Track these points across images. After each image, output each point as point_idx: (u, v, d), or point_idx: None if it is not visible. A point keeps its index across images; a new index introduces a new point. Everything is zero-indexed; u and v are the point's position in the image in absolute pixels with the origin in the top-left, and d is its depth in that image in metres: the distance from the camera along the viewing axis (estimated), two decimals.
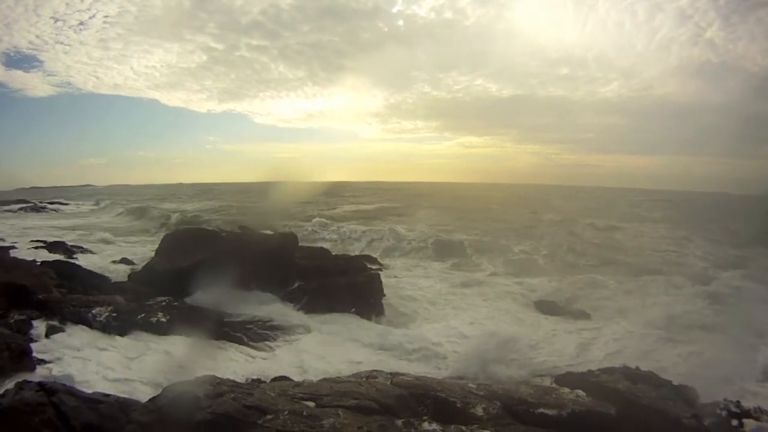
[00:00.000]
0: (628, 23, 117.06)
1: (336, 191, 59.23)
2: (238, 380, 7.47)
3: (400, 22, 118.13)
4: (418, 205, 44.20)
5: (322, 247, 18.39)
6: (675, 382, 8.96)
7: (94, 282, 14.91)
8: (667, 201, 58.75)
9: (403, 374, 7.63)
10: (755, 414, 7.81)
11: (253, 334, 11.55)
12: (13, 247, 21.94)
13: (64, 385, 6.53)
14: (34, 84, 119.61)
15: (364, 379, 7.26)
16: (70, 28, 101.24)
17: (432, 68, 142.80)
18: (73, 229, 31.54)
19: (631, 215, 39.40)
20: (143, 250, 21.90)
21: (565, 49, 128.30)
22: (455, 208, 41.72)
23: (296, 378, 8.64)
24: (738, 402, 8.26)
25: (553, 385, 8.49)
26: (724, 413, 7.88)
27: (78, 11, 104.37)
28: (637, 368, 9.60)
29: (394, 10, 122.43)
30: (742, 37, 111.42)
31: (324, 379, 7.46)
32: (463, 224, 30.83)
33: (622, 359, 10.60)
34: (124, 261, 19.16)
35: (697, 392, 8.67)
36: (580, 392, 7.75)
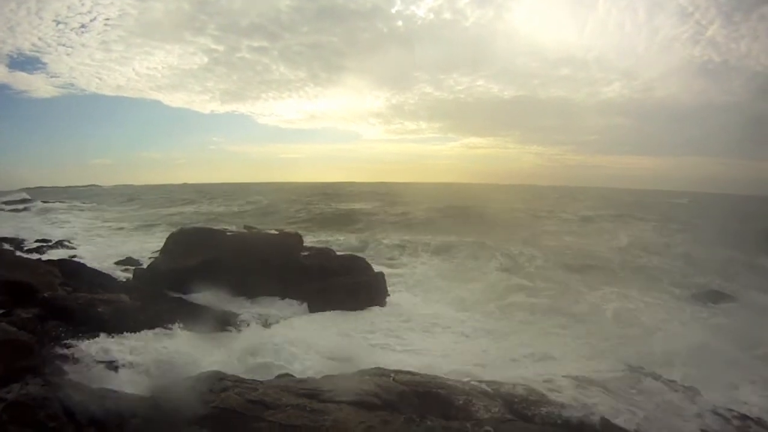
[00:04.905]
0: (628, 23, 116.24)
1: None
2: (241, 375, 7.51)
3: (399, 23, 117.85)
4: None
5: (327, 247, 18.40)
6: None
7: (99, 281, 14.99)
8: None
9: (405, 371, 7.67)
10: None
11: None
12: (19, 246, 22.15)
13: (70, 380, 6.61)
14: (37, 85, 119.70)
15: (367, 376, 7.31)
16: (72, 30, 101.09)
17: (433, 69, 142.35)
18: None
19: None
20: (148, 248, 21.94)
21: (566, 49, 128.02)
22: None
23: (298, 373, 8.65)
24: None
25: (556, 385, 8.49)
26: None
27: (79, 14, 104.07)
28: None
29: (393, 11, 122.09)
30: (744, 35, 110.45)
31: (327, 376, 7.50)
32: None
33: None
34: (129, 260, 19.27)
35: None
36: (582, 391, 7.78)
